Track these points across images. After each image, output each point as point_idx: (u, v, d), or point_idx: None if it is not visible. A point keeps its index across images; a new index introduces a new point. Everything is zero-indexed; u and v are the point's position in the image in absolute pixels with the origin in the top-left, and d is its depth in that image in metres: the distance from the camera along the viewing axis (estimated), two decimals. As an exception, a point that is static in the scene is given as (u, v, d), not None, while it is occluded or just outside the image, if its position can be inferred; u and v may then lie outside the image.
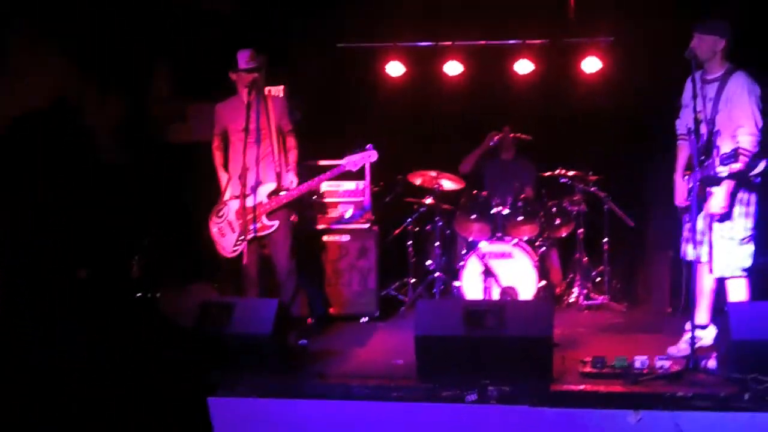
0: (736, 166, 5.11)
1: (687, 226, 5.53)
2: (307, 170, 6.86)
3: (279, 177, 6.33)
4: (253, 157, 6.19)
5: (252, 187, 6.17)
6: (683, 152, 5.73)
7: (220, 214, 6.38)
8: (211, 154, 6.56)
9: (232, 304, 5.34)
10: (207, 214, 6.51)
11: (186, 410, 1.65)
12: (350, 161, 6.45)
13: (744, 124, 5.23)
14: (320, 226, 7.71)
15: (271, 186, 6.29)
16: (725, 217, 5.34)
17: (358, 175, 7.23)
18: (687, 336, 5.47)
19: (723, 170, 5.19)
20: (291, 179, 6.34)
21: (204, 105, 8.96)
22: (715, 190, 5.32)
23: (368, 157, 6.45)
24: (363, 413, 4.88)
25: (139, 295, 7.85)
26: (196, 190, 7.90)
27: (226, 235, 6.33)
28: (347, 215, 7.68)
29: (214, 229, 6.41)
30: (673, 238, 5.94)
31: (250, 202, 6.14)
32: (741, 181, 5.27)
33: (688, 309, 5.30)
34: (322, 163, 7.47)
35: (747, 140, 5.19)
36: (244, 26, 8.06)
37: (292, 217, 6.46)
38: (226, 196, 6.37)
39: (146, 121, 9.16)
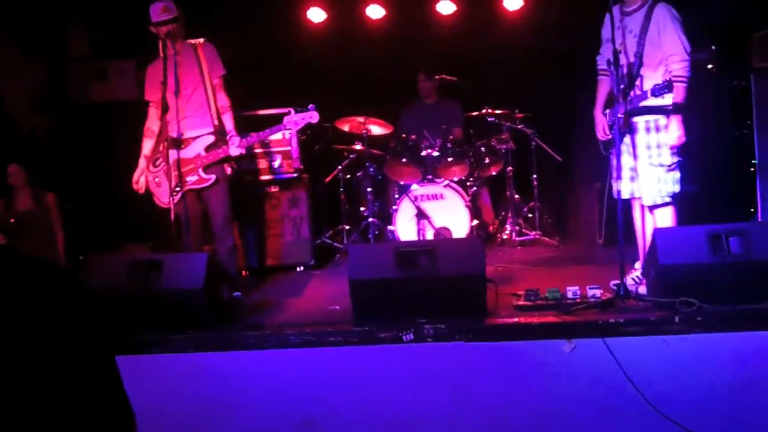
0: (670, 97, 5.21)
1: (614, 163, 5.57)
2: (241, 121, 6.73)
3: (217, 129, 6.20)
4: (173, 109, 6.05)
5: (174, 140, 6.04)
6: (603, 87, 5.76)
7: (157, 164, 6.23)
8: (135, 118, 6.42)
9: (161, 260, 5.24)
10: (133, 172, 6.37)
11: (92, 372, 1.59)
12: (290, 121, 6.31)
13: (675, 51, 5.30)
14: (249, 178, 7.62)
15: (208, 139, 6.16)
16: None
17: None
18: (635, 273, 5.57)
19: (655, 102, 5.27)
20: (236, 144, 6.16)
21: (124, 63, 8.81)
22: (662, 122, 5.39)
23: (310, 117, 6.30)
24: (301, 360, 4.87)
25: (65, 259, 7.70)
26: (119, 148, 7.75)
27: (162, 185, 6.18)
28: (275, 165, 7.59)
29: (150, 178, 6.26)
30: (599, 171, 6.00)
31: (174, 155, 6.02)
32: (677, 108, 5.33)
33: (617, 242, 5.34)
34: (262, 112, 7.43)
35: (680, 66, 5.28)
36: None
37: (228, 170, 6.32)
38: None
39: (65, 82, 8.94)
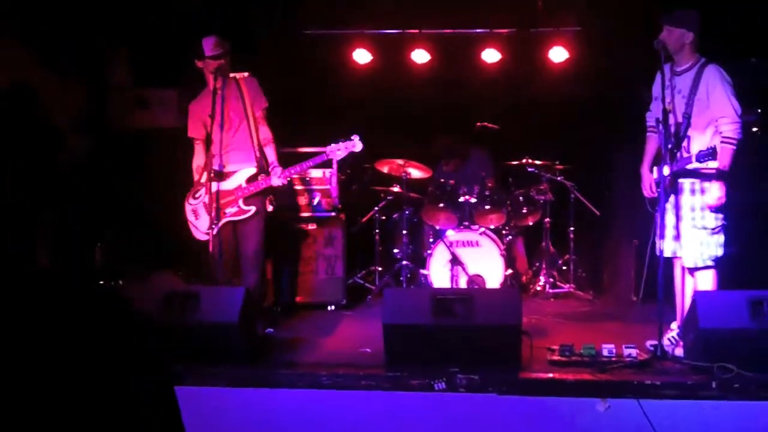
0: (714, 164, 5.15)
1: (659, 221, 5.52)
2: (282, 157, 6.76)
3: (259, 162, 6.25)
4: (217, 142, 6.09)
5: (216, 173, 6.08)
6: (652, 144, 5.73)
7: (197, 195, 6.27)
8: (174, 146, 6.49)
9: (198, 293, 5.25)
10: (174, 199, 6.41)
11: (152, 402, 1.58)
12: (333, 150, 6.32)
13: (725, 113, 5.24)
14: (287, 214, 7.64)
15: (250, 171, 6.20)
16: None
17: (324, 162, 7.15)
18: (671, 334, 5.50)
19: (699, 166, 5.21)
20: (278, 174, 6.21)
21: (165, 91, 8.89)
22: (705, 185, 5.34)
23: (353, 146, 6.31)
24: (331, 402, 4.85)
25: (101, 283, 7.73)
26: (157, 177, 7.81)
27: (201, 217, 6.22)
28: (314, 203, 7.61)
29: (188, 210, 6.30)
30: (637, 227, 5.96)
31: (215, 187, 6.06)
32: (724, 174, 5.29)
33: (659, 299, 5.25)
34: (302, 150, 7.44)
35: (730, 128, 5.22)
36: (207, 12, 7.95)
37: (269, 206, 6.34)
38: (203, 178, 6.29)
39: (106, 108, 9.03)
